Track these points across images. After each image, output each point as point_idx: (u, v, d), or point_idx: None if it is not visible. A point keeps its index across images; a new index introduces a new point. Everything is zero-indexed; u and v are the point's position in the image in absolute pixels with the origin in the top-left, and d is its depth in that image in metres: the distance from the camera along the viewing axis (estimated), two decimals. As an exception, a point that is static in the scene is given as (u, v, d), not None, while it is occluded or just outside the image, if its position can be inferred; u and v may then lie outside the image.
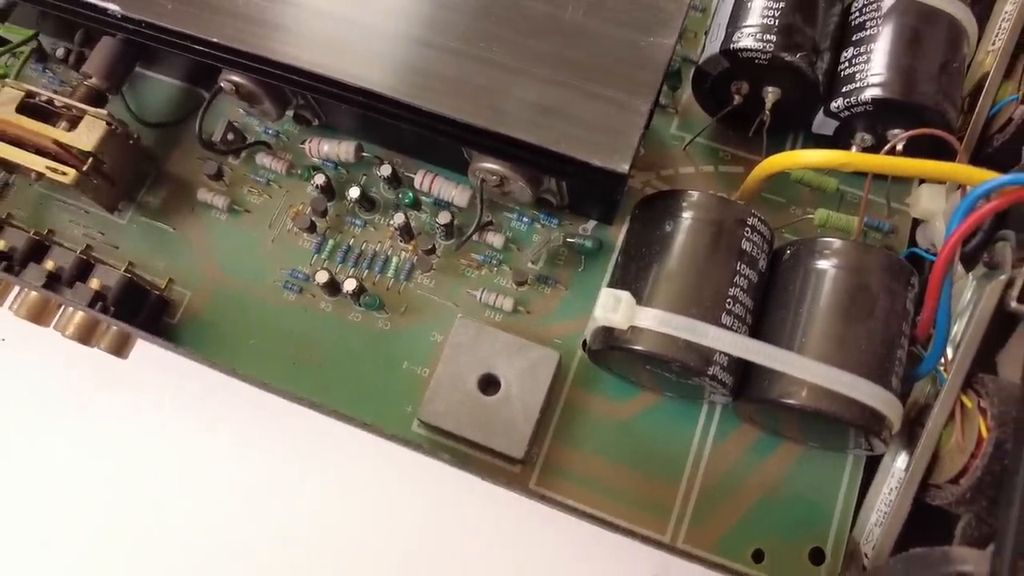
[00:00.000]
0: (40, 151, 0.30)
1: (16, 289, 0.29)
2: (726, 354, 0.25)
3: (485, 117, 0.25)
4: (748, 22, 0.29)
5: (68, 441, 0.34)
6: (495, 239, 0.31)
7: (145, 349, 0.31)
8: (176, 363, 0.33)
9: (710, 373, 0.24)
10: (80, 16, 0.29)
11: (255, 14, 0.27)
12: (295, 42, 0.26)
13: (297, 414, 0.32)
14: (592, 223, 0.31)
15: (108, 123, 0.30)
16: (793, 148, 0.33)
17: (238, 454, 0.32)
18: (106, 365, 0.34)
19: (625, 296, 0.24)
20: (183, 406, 0.33)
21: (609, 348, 0.26)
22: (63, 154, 0.29)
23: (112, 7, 0.27)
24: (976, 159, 0.30)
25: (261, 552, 0.32)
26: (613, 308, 0.24)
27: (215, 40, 0.27)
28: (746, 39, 0.29)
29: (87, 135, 0.30)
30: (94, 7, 0.28)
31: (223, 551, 0.32)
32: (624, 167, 0.24)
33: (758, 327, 0.26)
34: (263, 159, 0.32)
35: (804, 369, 0.24)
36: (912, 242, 0.31)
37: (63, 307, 0.28)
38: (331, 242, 0.31)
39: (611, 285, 0.27)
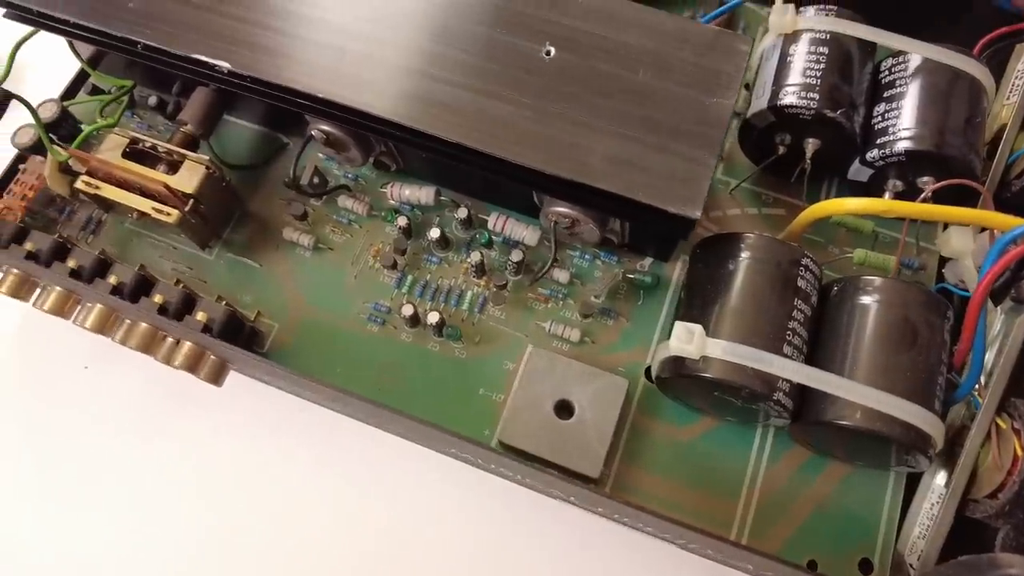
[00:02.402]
0: (143, 192, 0.32)
1: (125, 321, 0.31)
2: (788, 380, 0.27)
3: (570, 169, 0.27)
4: (791, 81, 0.32)
5: (150, 461, 0.36)
6: (561, 275, 0.34)
7: (236, 378, 0.33)
8: (264, 391, 0.35)
9: (775, 398, 0.27)
10: (185, 70, 0.31)
11: (354, 71, 0.30)
12: (396, 99, 0.29)
13: (375, 439, 0.34)
14: (649, 260, 0.34)
15: (207, 167, 0.32)
16: (828, 193, 0.36)
17: (320, 476, 0.34)
18: (184, 390, 0.36)
19: (698, 329, 0.27)
20: (272, 430, 0.35)
21: (679, 376, 0.28)
22: (168, 196, 0.32)
23: (222, 64, 0.30)
24: (996, 203, 0.33)
25: (338, 569, 0.34)
26: (687, 339, 0.27)
27: (319, 95, 0.29)
28: (790, 96, 0.32)
29: (188, 178, 0.32)
30: (205, 64, 0.30)
31: (300, 569, 0.34)
32: (696, 213, 0.27)
33: (811, 357, 0.29)
34: (345, 201, 0.35)
35: (858, 393, 0.27)
36: (939, 278, 0.34)
37: (166, 336, 0.31)
38: (410, 277, 0.34)
39: (677, 319, 0.30)
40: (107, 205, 0.34)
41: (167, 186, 0.31)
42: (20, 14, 0.32)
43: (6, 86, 0.34)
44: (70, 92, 0.38)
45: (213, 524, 0.34)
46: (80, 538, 0.34)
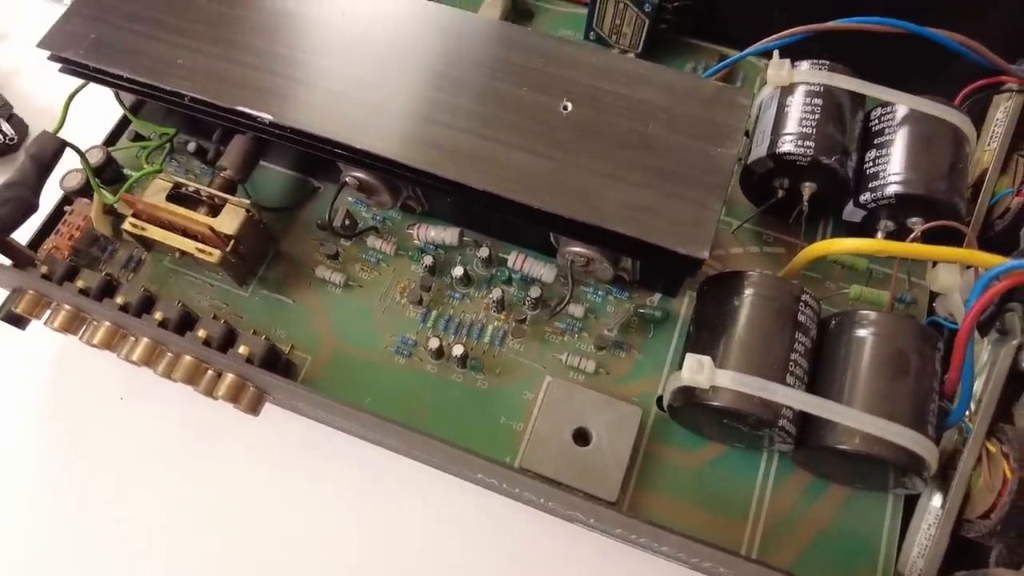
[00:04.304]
0: (185, 233, 0.35)
1: (167, 354, 0.33)
2: (791, 408, 0.29)
3: (588, 214, 0.30)
4: (789, 130, 0.35)
5: (183, 489, 0.37)
6: (576, 310, 0.36)
7: (269, 410, 0.35)
8: (295, 423, 0.37)
9: (779, 425, 0.29)
10: (227, 120, 0.34)
11: (389, 125, 0.32)
12: (428, 150, 0.31)
13: (402, 467, 0.36)
14: (657, 296, 0.36)
15: (247, 211, 0.35)
16: (825, 232, 0.39)
17: (350, 505, 0.36)
18: (215, 422, 0.38)
19: (707, 360, 0.29)
20: (303, 460, 0.37)
21: (690, 404, 0.30)
22: (210, 236, 0.34)
23: (265, 116, 0.32)
24: (981, 242, 0.35)
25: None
26: (698, 370, 0.29)
27: (356, 146, 0.32)
28: (788, 144, 0.35)
29: (229, 220, 0.34)
30: (248, 115, 0.33)
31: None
32: (704, 254, 0.29)
33: (812, 386, 0.31)
34: (374, 242, 0.37)
35: (857, 419, 0.29)
36: (931, 311, 0.36)
37: (208, 369, 0.33)
38: (434, 313, 0.36)
39: (687, 351, 0.32)
40: (148, 244, 0.37)
41: (211, 228, 0.33)
42: (76, 69, 0.35)
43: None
44: (111, 139, 0.41)
45: (246, 553, 0.36)
46: (112, 567, 0.35)
